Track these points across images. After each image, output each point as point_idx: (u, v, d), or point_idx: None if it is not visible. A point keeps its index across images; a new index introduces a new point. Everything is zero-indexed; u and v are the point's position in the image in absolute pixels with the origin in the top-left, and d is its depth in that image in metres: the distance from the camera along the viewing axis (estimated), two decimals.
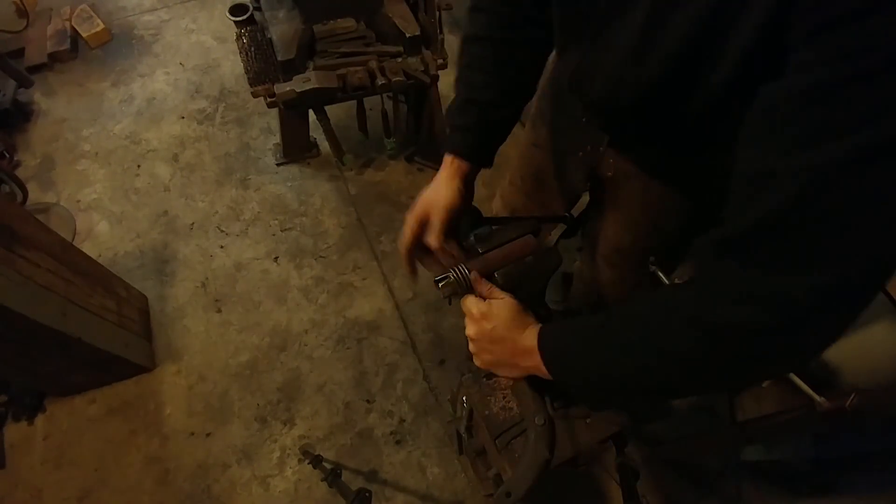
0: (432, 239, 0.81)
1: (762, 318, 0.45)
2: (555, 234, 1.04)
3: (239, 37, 2.01)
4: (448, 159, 0.84)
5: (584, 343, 0.64)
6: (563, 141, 0.99)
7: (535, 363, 0.69)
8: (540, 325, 0.71)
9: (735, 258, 0.48)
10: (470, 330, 0.76)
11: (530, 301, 0.76)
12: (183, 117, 2.51)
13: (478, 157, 0.85)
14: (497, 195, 1.32)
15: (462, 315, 0.77)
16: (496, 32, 0.79)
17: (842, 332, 0.46)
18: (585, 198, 1.03)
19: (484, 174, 0.89)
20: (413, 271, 0.87)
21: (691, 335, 0.51)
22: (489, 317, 0.73)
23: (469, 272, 0.76)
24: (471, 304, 0.76)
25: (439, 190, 0.82)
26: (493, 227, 0.85)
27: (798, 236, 0.42)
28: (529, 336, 0.70)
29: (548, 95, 1.03)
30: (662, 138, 0.73)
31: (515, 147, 1.18)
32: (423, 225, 0.83)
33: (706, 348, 0.51)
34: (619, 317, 0.62)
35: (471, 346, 0.77)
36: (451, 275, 0.77)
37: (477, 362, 0.77)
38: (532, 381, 0.78)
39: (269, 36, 1.93)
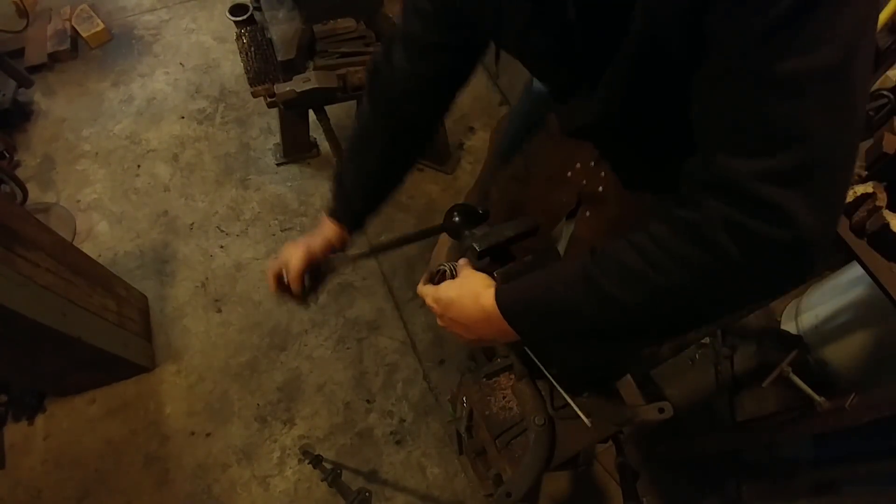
0: (292, 285, 0.91)
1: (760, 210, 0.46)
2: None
3: (239, 37, 2.01)
4: (325, 219, 0.93)
5: (575, 292, 0.59)
6: (544, 166, 0.99)
7: (499, 327, 0.65)
8: (493, 286, 0.68)
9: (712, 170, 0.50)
10: (438, 320, 0.75)
11: None
12: (183, 117, 2.51)
13: (352, 224, 0.94)
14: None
15: None
16: (381, 132, 0.87)
17: (837, 201, 0.48)
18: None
19: (475, 171, 0.90)
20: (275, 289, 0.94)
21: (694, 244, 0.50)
22: (439, 301, 0.73)
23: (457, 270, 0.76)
24: (423, 293, 0.76)
25: (308, 242, 0.92)
26: (491, 227, 0.85)
27: (758, 125, 0.46)
28: (485, 301, 0.66)
29: (519, 130, 1.03)
30: (649, 144, 0.75)
31: (493, 183, 1.17)
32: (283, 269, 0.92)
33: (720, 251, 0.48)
34: (597, 256, 0.58)
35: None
36: (447, 269, 0.77)
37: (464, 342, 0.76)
38: (532, 380, 0.78)
39: (269, 36, 1.93)
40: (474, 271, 0.75)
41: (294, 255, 0.90)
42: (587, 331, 0.60)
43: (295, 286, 0.92)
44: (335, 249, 0.94)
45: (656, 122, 0.67)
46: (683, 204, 0.52)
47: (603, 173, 0.88)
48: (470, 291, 0.69)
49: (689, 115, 0.54)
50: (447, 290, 0.72)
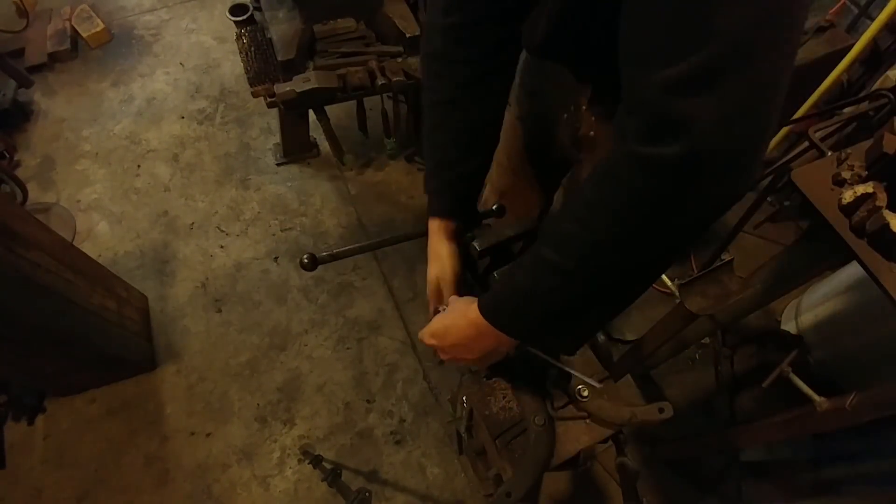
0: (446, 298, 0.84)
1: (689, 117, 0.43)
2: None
3: (239, 37, 2.02)
4: (434, 223, 0.86)
5: (530, 273, 0.59)
6: (545, 106, 1.01)
7: (495, 335, 0.66)
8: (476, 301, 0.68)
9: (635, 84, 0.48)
10: (441, 355, 0.78)
11: None
12: (183, 117, 2.51)
13: (460, 212, 0.86)
14: (486, 184, 1.32)
15: None
16: (457, 94, 0.81)
17: (754, 104, 0.44)
18: None
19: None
20: None
21: (638, 181, 0.47)
22: (435, 334, 0.75)
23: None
24: (421, 336, 0.78)
25: (442, 261, 0.84)
26: (491, 225, 0.85)
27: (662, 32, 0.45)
28: (471, 315, 0.67)
29: (525, 68, 1.03)
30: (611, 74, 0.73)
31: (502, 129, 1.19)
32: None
33: (661, 178, 0.46)
34: (551, 231, 0.57)
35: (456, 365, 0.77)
36: (440, 309, 0.81)
37: (473, 366, 0.78)
38: (532, 381, 0.78)
39: (269, 36, 1.94)
40: (460, 298, 0.77)
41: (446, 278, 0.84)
42: (562, 310, 0.60)
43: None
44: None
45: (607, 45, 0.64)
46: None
47: (593, 118, 0.89)
48: (458, 313, 0.71)
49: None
50: (439, 322, 0.75)
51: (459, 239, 0.86)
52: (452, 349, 0.74)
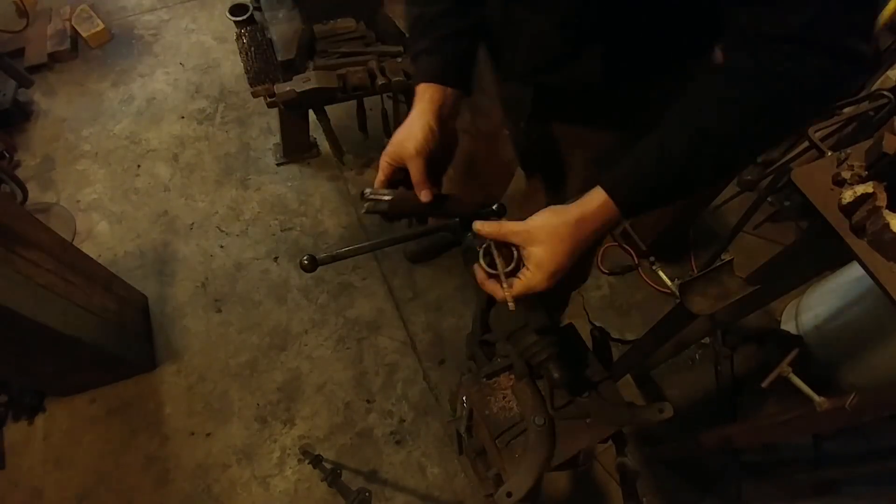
0: (423, 194, 0.75)
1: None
2: None
3: (239, 37, 2.02)
4: (420, 89, 0.74)
5: (664, 155, 0.60)
6: (485, 123, 1.06)
7: (604, 217, 0.62)
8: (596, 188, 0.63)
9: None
10: (539, 275, 0.64)
11: None
12: (183, 117, 2.51)
13: (451, 77, 0.75)
14: None
15: (461, 316, 0.77)
16: None
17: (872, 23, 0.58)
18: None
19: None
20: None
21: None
22: (542, 263, 0.64)
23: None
24: (526, 283, 0.66)
25: (411, 129, 0.74)
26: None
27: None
28: (588, 205, 0.62)
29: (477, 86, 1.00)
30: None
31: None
32: (398, 168, 0.77)
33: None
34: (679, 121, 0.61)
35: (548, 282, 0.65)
36: (489, 247, 0.72)
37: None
38: (532, 380, 0.78)
39: (269, 36, 1.94)
40: (519, 225, 0.67)
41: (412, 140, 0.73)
42: (698, 179, 0.62)
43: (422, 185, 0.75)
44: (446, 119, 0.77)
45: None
46: (754, 53, 0.56)
47: (533, 136, 0.94)
48: (557, 221, 0.63)
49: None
50: (545, 253, 0.63)
51: (445, 117, 0.75)
52: (562, 262, 0.63)
